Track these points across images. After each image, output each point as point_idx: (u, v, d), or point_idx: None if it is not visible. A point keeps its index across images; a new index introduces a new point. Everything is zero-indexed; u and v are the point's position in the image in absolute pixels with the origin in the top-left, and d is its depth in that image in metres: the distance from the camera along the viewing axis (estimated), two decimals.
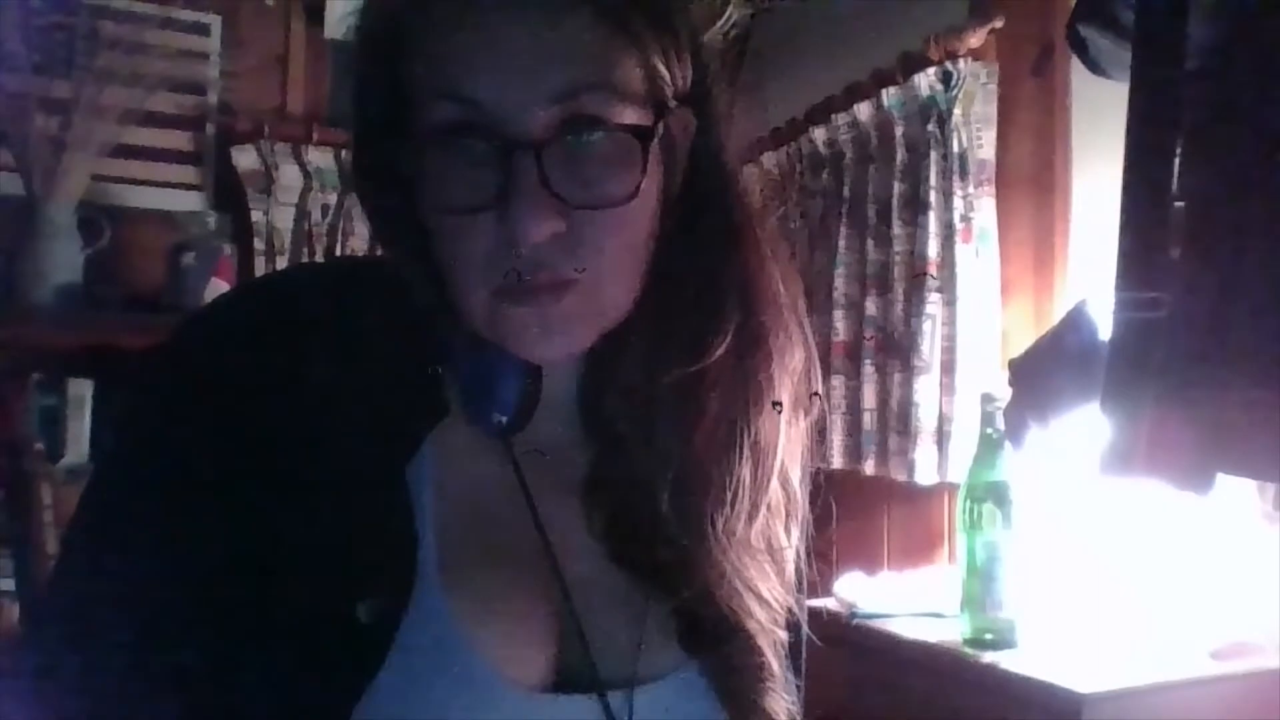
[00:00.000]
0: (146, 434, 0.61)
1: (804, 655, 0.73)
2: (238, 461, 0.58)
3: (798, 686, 0.71)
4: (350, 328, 0.62)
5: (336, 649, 0.56)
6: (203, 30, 2.54)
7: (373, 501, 0.59)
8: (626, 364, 0.64)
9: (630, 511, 0.66)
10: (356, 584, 0.57)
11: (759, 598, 0.66)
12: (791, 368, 0.67)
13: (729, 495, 0.64)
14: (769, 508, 0.67)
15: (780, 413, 0.66)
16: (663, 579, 0.65)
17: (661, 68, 0.60)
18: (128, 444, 0.63)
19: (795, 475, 0.69)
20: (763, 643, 0.66)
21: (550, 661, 0.62)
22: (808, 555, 0.71)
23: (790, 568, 0.70)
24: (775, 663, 0.67)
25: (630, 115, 0.58)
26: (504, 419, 0.63)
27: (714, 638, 0.65)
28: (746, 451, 0.64)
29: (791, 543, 0.70)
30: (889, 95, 2.12)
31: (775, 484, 0.67)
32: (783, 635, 0.68)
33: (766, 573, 0.67)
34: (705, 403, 0.64)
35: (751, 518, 0.65)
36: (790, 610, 0.69)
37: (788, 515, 0.69)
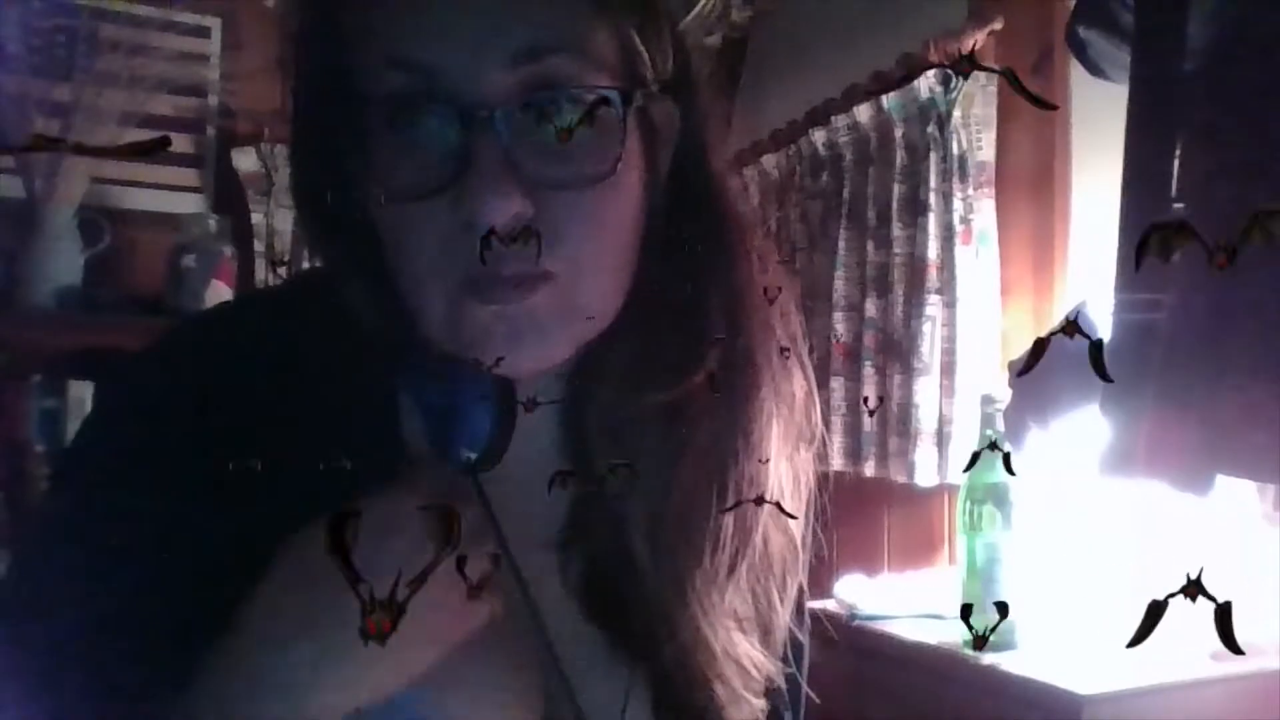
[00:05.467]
0: (108, 448, 0.56)
1: (806, 657, 0.69)
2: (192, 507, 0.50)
3: (801, 690, 0.67)
4: (293, 359, 0.54)
5: None
6: (203, 33, 2.54)
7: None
8: (606, 390, 0.57)
9: (607, 565, 0.59)
10: None
11: (737, 664, 0.59)
12: (787, 393, 0.61)
13: (710, 545, 0.57)
14: (760, 559, 0.60)
15: (772, 450, 0.59)
16: (638, 640, 0.59)
17: (637, 41, 0.55)
18: (93, 449, 0.57)
19: (794, 520, 0.61)
20: (734, 714, 0.59)
21: None
22: (808, 558, 0.65)
23: (781, 633, 0.63)
24: None
25: (604, 82, 0.52)
26: (473, 455, 0.52)
27: (685, 708, 0.59)
28: (731, 493, 0.57)
29: (788, 599, 0.63)
30: (888, 97, 2.12)
31: (771, 531, 0.60)
32: (759, 704, 0.61)
33: (749, 636, 0.61)
34: (690, 434, 0.57)
35: (733, 570, 0.58)
36: (770, 679, 0.62)
37: (785, 575, 0.62)
